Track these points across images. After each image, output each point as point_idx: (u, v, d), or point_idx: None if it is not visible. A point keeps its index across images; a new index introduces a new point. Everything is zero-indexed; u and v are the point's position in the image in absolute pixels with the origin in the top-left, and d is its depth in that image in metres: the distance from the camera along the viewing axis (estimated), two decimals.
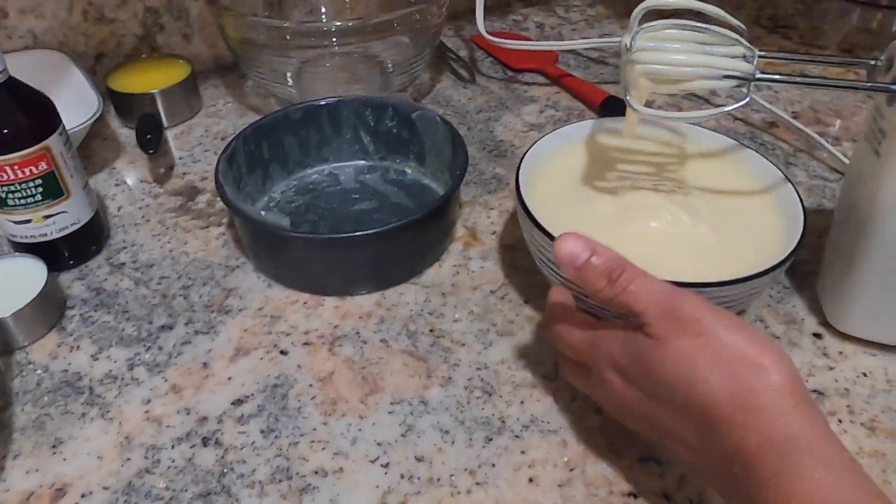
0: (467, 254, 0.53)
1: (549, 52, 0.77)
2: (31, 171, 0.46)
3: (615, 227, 0.46)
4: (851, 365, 0.45)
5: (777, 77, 0.44)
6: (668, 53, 0.42)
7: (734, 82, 0.42)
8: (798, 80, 0.45)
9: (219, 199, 0.58)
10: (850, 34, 0.86)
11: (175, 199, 0.58)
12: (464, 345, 0.46)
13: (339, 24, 0.64)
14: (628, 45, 0.43)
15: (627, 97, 0.44)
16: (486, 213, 0.57)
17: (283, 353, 0.45)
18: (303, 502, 0.37)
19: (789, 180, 0.47)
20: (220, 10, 0.62)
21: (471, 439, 0.40)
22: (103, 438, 0.40)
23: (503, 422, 0.41)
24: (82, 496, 0.38)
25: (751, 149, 0.51)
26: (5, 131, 0.44)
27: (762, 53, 0.43)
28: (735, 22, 0.43)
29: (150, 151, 0.57)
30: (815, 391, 0.43)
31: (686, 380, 0.31)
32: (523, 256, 0.52)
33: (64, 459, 0.39)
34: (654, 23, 0.43)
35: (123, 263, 0.52)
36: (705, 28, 0.42)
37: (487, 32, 0.71)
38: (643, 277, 0.34)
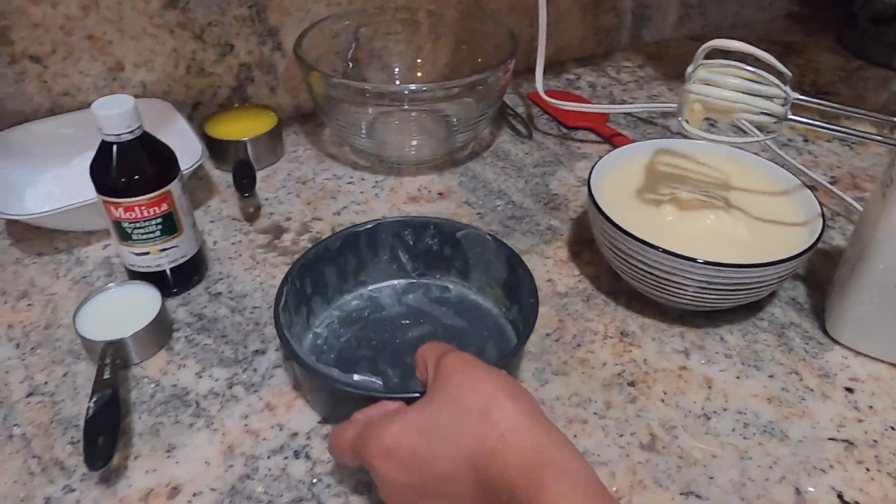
0: None
1: (601, 113, 0.83)
2: (154, 211, 0.53)
3: (674, 226, 0.56)
4: (880, 419, 0.49)
5: (805, 120, 0.52)
6: (720, 88, 0.51)
7: (770, 119, 0.51)
8: (823, 124, 0.53)
9: (303, 237, 0.65)
10: (891, 101, 0.90)
11: (263, 236, 0.65)
12: (522, 381, 0.51)
13: (413, 87, 0.72)
14: (689, 75, 0.51)
15: (680, 118, 0.53)
16: (542, 262, 0.62)
17: None
18: None
19: (809, 188, 0.57)
20: (308, 69, 0.70)
21: None
22: (209, 447, 0.47)
23: None
24: (193, 495, 0.44)
25: (777, 164, 0.61)
26: (136, 177, 0.52)
27: (797, 97, 0.50)
28: (783, 69, 0.51)
29: (246, 195, 0.65)
30: (845, 440, 0.47)
31: (447, 429, 0.35)
32: (576, 304, 0.58)
33: (177, 463, 0.46)
34: (713, 60, 0.51)
35: (220, 293, 0.59)
36: (755, 71, 0.50)
37: (544, 91, 0.77)
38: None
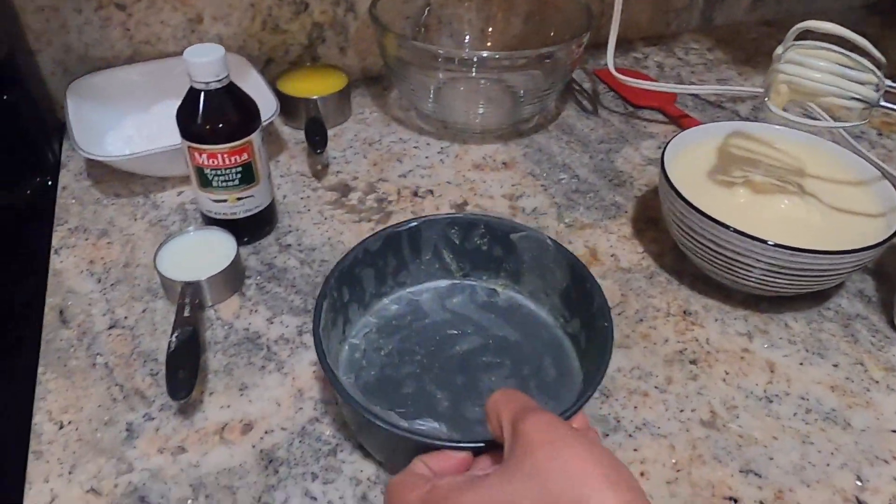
0: None
1: (669, 93, 0.82)
2: (235, 159, 0.55)
3: (746, 208, 0.55)
4: None
5: None
6: (809, 70, 0.50)
7: (860, 105, 0.49)
8: None
9: (369, 197, 0.66)
10: None
11: (330, 193, 0.67)
12: None
13: (484, 55, 0.72)
14: (779, 55, 0.50)
15: (766, 98, 0.52)
16: (605, 237, 0.62)
17: None
18: None
19: (888, 178, 0.56)
20: (383, 30, 0.70)
21: None
22: (280, 389, 0.48)
23: (618, 421, 0.47)
24: (265, 432, 0.46)
25: (856, 153, 0.60)
26: (221, 126, 0.54)
27: (891, 84, 0.49)
28: (877, 54, 0.50)
29: (318, 151, 0.66)
30: None
31: None
32: (639, 280, 0.58)
33: (249, 401, 0.48)
34: (805, 42, 0.50)
35: (290, 245, 0.61)
36: (847, 54, 0.49)
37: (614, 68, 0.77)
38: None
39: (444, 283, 0.54)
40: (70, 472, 0.43)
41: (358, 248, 0.49)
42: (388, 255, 0.51)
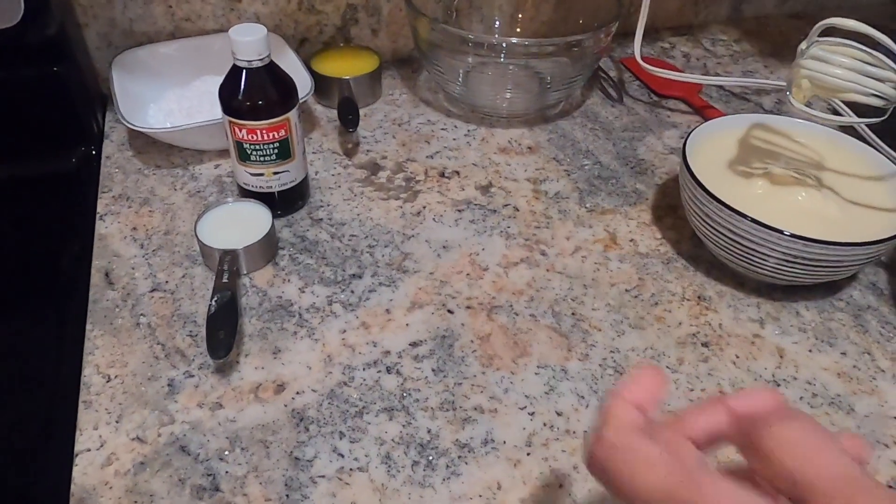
0: (607, 255, 0.61)
1: (694, 83, 0.83)
2: (273, 135, 0.57)
3: (765, 201, 0.57)
4: None
5: None
6: (831, 66, 0.51)
7: (881, 101, 0.51)
8: None
9: (398, 176, 0.68)
10: None
11: (360, 171, 0.69)
12: (600, 330, 0.54)
13: (514, 41, 0.73)
14: (802, 51, 0.52)
15: (788, 93, 0.54)
16: (625, 223, 0.64)
17: (449, 311, 0.55)
18: (465, 429, 0.47)
19: None
20: (416, 14, 0.72)
21: (601, 406, 0.49)
22: (311, 354, 0.51)
23: None
24: (297, 393, 0.49)
25: (874, 148, 0.61)
26: (260, 103, 0.56)
27: None
28: None
29: (350, 130, 0.68)
30: None
31: None
32: (655, 265, 0.60)
33: (282, 364, 0.51)
34: (829, 38, 0.52)
35: (321, 219, 0.63)
36: (870, 52, 0.51)
37: (641, 58, 0.78)
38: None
39: None
40: (117, 422, 0.46)
41: None
42: None
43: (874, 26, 0.50)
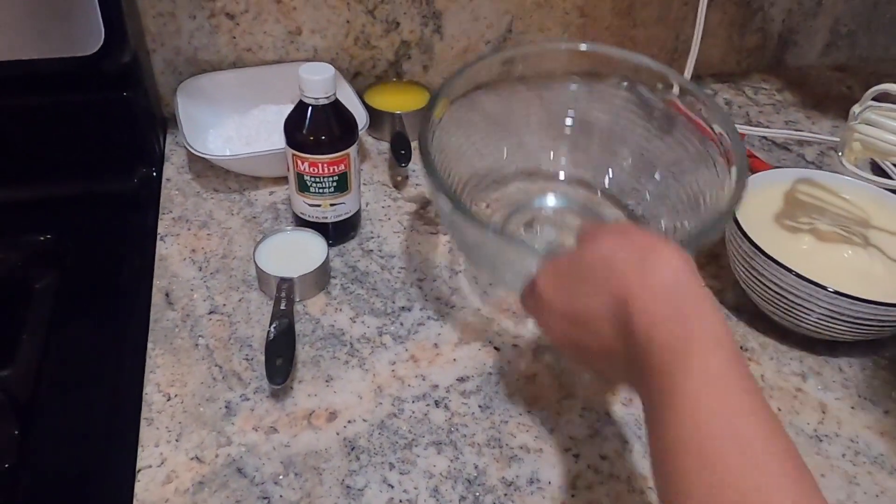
0: None
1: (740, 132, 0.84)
2: (333, 169, 0.60)
3: (810, 255, 0.59)
4: None
5: None
6: (883, 131, 0.53)
7: None
8: None
9: None
10: None
11: (410, 204, 0.71)
12: None
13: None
14: (855, 114, 0.54)
15: (840, 153, 0.57)
16: None
17: (496, 348, 0.56)
18: (511, 467, 0.48)
19: None
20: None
21: (645, 453, 0.49)
22: (361, 384, 0.53)
23: None
24: (349, 422, 0.50)
25: None
26: (324, 138, 0.59)
27: None
28: None
29: (402, 165, 0.71)
30: None
31: (603, 261, 0.38)
32: None
33: (334, 392, 0.52)
34: (881, 104, 0.54)
35: (372, 250, 0.65)
36: None
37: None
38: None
39: None
40: (177, 440, 0.48)
41: None
42: None
43: None
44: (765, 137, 0.86)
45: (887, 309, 0.52)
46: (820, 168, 0.65)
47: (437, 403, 0.52)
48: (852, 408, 0.54)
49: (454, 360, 0.55)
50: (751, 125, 0.88)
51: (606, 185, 0.67)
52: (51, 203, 0.69)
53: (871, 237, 0.60)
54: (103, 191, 0.71)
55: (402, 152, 0.71)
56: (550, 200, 0.69)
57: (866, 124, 0.53)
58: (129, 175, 0.72)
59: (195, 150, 0.65)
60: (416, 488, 0.46)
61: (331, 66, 0.57)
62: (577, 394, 0.53)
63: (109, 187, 0.71)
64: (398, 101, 0.80)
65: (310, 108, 0.58)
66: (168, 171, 0.73)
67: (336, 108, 0.59)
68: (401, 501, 0.46)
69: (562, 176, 0.69)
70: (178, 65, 0.78)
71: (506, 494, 0.46)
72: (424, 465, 0.48)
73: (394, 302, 0.60)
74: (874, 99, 0.54)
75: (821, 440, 0.51)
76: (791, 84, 0.99)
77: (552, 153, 0.69)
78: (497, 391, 0.53)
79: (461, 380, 0.54)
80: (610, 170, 0.67)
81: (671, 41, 0.93)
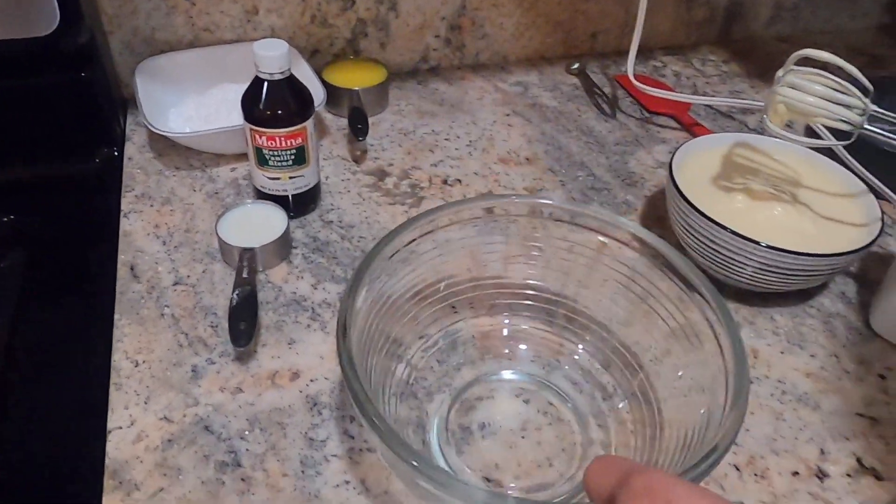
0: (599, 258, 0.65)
1: (683, 101, 0.88)
2: (291, 142, 0.62)
3: (743, 213, 0.62)
4: None
5: (878, 131, 0.57)
6: (803, 93, 0.56)
7: (847, 126, 0.56)
8: (891, 137, 0.57)
9: (403, 182, 0.73)
10: None
11: (368, 177, 0.74)
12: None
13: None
14: (779, 78, 0.57)
15: (765, 116, 0.60)
16: None
17: (452, 307, 0.59)
18: (468, 415, 0.51)
19: (873, 192, 0.63)
20: None
21: None
22: (323, 345, 0.56)
23: (615, 389, 0.54)
24: (311, 380, 0.53)
25: (848, 169, 0.66)
26: (280, 112, 0.60)
27: (876, 110, 0.55)
28: (867, 83, 0.56)
29: (360, 139, 0.73)
30: (871, 417, 0.53)
31: None
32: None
33: (297, 354, 0.55)
34: (802, 67, 0.57)
35: (332, 221, 0.68)
36: (839, 81, 0.56)
37: (634, 76, 0.83)
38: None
39: None
40: (146, 403, 0.50)
41: None
42: None
43: (854, 51, 0.55)
44: (710, 106, 0.90)
45: (815, 260, 0.56)
46: (761, 134, 0.68)
47: (399, 358, 0.55)
48: (781, 353, 0.58)
49: (416, 322, 0.58)
50: (696, 94, 0.92)
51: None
52: (13, 185, 0.70)
53: (800, 195, 0.64)
54: (66, 172, 0.72)
55: (360, 126, 0.73)
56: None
57: (789, 87, 0.57)
58: (90, 155, 0.73)
59: (155, 129, 0.67)
60: None
61: (284, 42, 0.59)
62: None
63: (72, 168, 0.72)
64: (356, 77, 0.82)
65: (265, 84, 0.59)
66: (129, 150, 0.74)
67: (291, 82, 0.61)
68: (360, 450, 0.49)
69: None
70: (135, 45, 0.79)
71: (462, 438, 0.50)
72: (385, 415, 0.51)
73: (353, 268, 0.62)
74: (797, 63, 0.57)
75: (751, 382, 0.55)
76: (737, 55, 1.03)
77: None
78: (454, 347, 0.56)
79: (421, 338, 0.56)
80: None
81: (622, 15, 0.96)
